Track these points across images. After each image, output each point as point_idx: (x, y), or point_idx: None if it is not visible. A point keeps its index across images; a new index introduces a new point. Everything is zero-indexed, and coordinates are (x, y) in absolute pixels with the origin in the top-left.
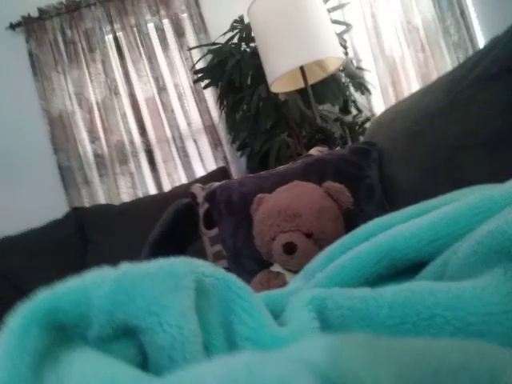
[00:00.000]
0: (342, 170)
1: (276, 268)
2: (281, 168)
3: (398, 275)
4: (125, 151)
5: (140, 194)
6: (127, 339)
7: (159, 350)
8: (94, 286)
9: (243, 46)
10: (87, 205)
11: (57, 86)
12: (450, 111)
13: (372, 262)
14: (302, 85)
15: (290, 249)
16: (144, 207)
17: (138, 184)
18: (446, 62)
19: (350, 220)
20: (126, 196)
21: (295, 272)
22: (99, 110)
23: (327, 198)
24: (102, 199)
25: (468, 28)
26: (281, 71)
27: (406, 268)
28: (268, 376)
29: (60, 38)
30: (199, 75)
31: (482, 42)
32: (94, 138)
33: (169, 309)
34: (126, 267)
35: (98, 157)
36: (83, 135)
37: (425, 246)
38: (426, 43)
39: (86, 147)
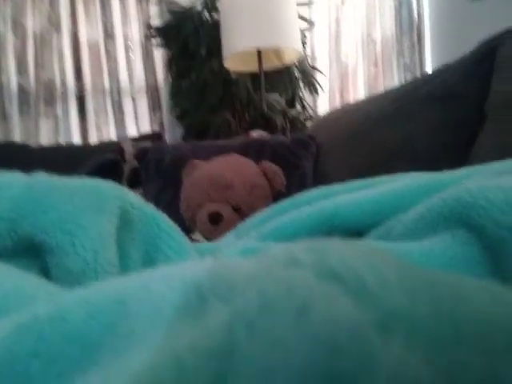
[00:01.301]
0: (280, 155)
1: (196, 236)
2: (220, 141)
3: None
4: (54, 92)
5: (61, 141)
6: (28, 258)
7: (66, 275)
8: (1, 186)
9: (205, 14)
10: (0, 140)
11: None
12: (393, 120)
13: (311, 225)
14: (255, 68)
15: (215, 218)
16: (64, 155)
17: (62, 130)
18: (394, 81)
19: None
20: (45, 140)
21: None
22: (35, 41)
23: (262, 177)
24: (17, 138)
25: (421, 54)
26: (238, 48)
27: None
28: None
29: None
30: (153, 32)
31: (430, 69)
32: (22, 70)
33: (86, 229)
34: (41, 175)
35: (23, 92)
36: (11, 64)
37: (368, 216)
38: (380, 58)
39: (11, 78)
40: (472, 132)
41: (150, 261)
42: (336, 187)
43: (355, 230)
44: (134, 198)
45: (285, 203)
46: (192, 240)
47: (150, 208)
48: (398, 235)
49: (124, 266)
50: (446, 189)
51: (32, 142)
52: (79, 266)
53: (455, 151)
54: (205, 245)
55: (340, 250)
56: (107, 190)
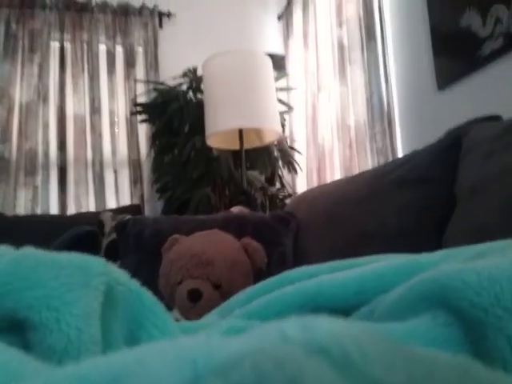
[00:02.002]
0: (260, 231)
1: (175, 314)
2: (201, 216)
3: None
4: (35, 162)
5: (39, 211)
6: (10, 334)
7: (49, 353)
8: None
9: (190, 94)
10: None
11: None
12: (368, 202)
13: (295, 304)
14: (237, 146)
15: (194, 296)
16: (40, 225)
17: (40, 200)
18: (368, 163)
19: (259, 281)
20: (21, 209)
21: None
22: (20, 111)
23: (243, 253)
24: None
25: (392, 139)
26: (220, 128)
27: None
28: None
29: (2, 30)
30: (138, 108)
31: (401, 153)
32: (4, 139)
33: (71, 306)
34: (29, 249)
35: (3, 160)
36: None
37: (351, 296)
38: (354, 142)
39: None
40: (442, 214)
41: (133, 340)
42: (318, 267)
43: (339, 309)
44: (119, 273)
45: (268, 282)
46: None
47: (134, 284)
48: (381, 315)
49: (107, 345)
50: (425, 270)
51: (7, 211)
52: (62, 343)
53: (427, 233)
54: (189, 323)
55: (328, 325)
56: (94, 266)
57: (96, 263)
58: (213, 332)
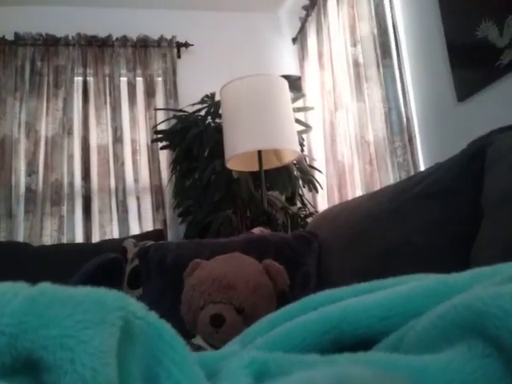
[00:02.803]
0: (282, 252)
1: (197, 341)
2: (222, 239)
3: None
4: (61, 192)
5: (64, 240)
6: (25, 375)
7: None
8: (2, 299)
9: (209, 119)
10: (2, 239)
11: (9, 111)
12: (391, 218)
13: (319, 332)
14: (256, 168)
15: (217, 321)
16: (65, 254)
17: (66, 229)
18: (389, 178)
19: (283, 303)
20: (48, 239)
21: (218, 349)
22: (46, 144)
23: (265, 276)
24: (20, 237)
25: (413, 153)
26: (240, 150)
27: (352, 345)
28: None
29: (28, 67)
30: (159, 136)
31: (422, 167)
32: (31, 172)
33: (87, 345)
34: (45, 286)
35: (30, 191)
36: (21, 166)
37: (376, 322)
38: (374, 158)
39: (20, 179)
40: (469, 227)
41: (151, 377)
42: (342, 291)
43: (364, 335)
44: (137, 306)
45: (290, 308)
46: (193, 345)
47: (152, 317)
48: (411, 344)
49: (123, 383)
50: (455, 292)
51: (34, 241)
52: None
53: (453, 247)
54: (208, 354)
55: (363, 380)
56: (110, 300)
57: (112, 297)
58: (233, 366)
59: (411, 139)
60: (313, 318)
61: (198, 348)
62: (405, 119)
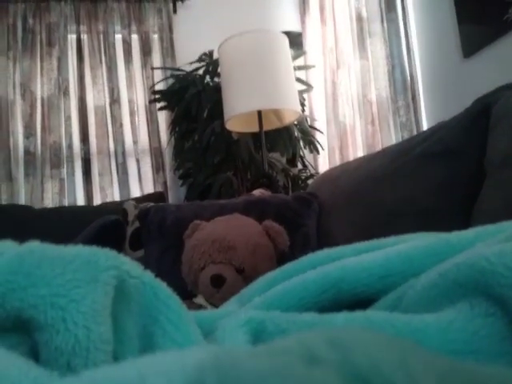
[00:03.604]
0: (282, 213)
1: (199, 300)
2: (222, 201)
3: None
4: (60, 155)
5: (66, 203)
6: (17, 334)
7: (56, 354)
8: None
9: (207, 78)
10: (4, 202)
11: (2, 72)
12: (393, 178)
13: (317, 291)
14: (256, 129)
15: (217, 281)
16: (67, 217)
17: (67, 192)
18: (392, 139)
19: (282, 264)
20: (49, 202)
21: (218, 308)
22: (43, 106)
23: (265, 237)
24: (22, 199)
25: (416, 112)
26: (239, 110)
27: (351, 305)
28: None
29: (19, 24)
30: (157, 96)
31: (426, 127)
32: (29, 134)
33: (78, 304)
34: (33, 245)
35: (29, 154)
36: (18, 128)
37: (375, 281)
38: (376, 118)
39: (19, 142)
40: (472, 187)
41: (146, 335)
42: (342, 249)
43: (363, 294)
44: (131, 265)
45: (288, 267)
46: (194, 305)
47: (148, 276)
48: (410, 304)
49: (119, 342)
50: (456, 251)
51: (36, 204)
52: (70, 344)
53: (456, 208)
54: (205, 314)
55: (366, 344)
56: (103, 259)
57: (105, 256)
58: (229, 325)
59: (415, 98)
60: (311, 277)
61: (199, 307)
62: (409, 77)
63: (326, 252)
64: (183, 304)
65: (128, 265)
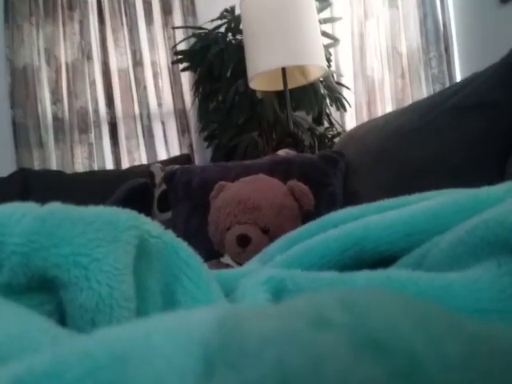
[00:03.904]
0: (308, 173)
1: (226, 260)
2: (247, 162)
3: (364, 269)
4: (87, 120)
5: (95, 167)
6: (42, 293)
7: (81, 312)
8: (11, 220)
9: (229, 36)
10: (37, 168)
11: (26, 38)
12: (422, 134)
13: (339, 249)
14: (281, 87)
15: (243, 241)
16: (97, 180)
17: (95, 156)
18: (423, 93)
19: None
20: (80, 166)
21: None
22: (67, 71)
23: (290, 197)
24: (53, 165)
25: (449, 64)
26: (262, 68)
27: (374, 263)
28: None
29: None
30: (179, 57)
31: (459, 79)
32: (56, 100)
33: (100, 262)
34: (55, 205)
35: (57, 120)
36: (45, 95)
37: (399, 239)
38: (406, 71)
39: (46, 108)
40: (507, 142)
41: (168, 293)
42: (365, 207)
43: (386, 252)
44: (152, 225)
45: (311, 225)
46: (221, 264)
47: (168, 236)
48: (435, 262)
49: (141, 300)
50: (485, 208)
51: (67, 169)
52: (93, 302)
53: (490, 164)
54: (227, 272)
55: (383, 306)
56: (123, 219)
57: (125, 216)
58: (250, 283)
59: (448, 48)
60: (333, 236)
61: (226, 266)
62: (441, 26)
63: (348, 210)
64: (205, 264)
65: (149, 225)
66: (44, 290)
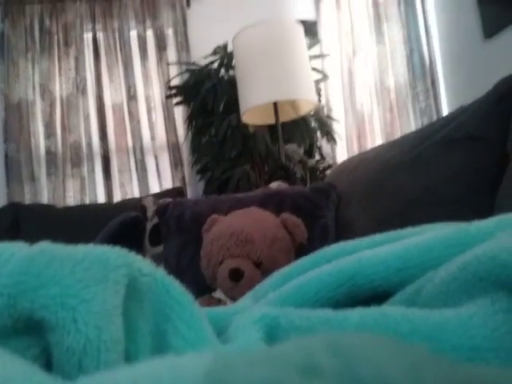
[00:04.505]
0: (300, 205)
1: (218, 294)
2: (239, 194)
3: (358, 305)
4: (80, 153)
5: (87, 201)
6: (29, 335)
7: (68, 355)
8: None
9: (222, 72)
10: (28, 202)
11: (22, 73)
12: (412, 166)
13: (332, 285)
14: (272, 121)
15: (236, 275)
16: (89, 214)
17: (88, 190)
18: (411, 126)
19: (301, 257)
20: (71, 200)
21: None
22: (62, 105)
23: (282, 229)
24: (45, 199)
25: (436, 98)
26: (255, 103)
27: (367, 299)
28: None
29: (37, 26)
30: (173, 91)
31: (446, 112)
32: (49, 134)
33: (89, 304)
34: (43, 245)
35: (50, 154)
36: (39, 129)
37: (392, 274)
38: (395, 105)
39: (40, 142)
40: (495, 174)
41: (158, 333)
42: (358, 242)
43: (380, 288)
44: (142, 263)
45: (304, 260)
46: (213, 299)
47: (160, 273)
48: (429, 298)
49: (131, 341)
50: (476, 242)
51: (58, 203)
52: (81, 344)
53: (479, 196)
54: (219, 310)
55: (372, 352)
56: (113, 258)
57: (115, 255)
58: (242, 322)
59: (434, 82)
60: (326, 271)
61: (218, 302)
62: (428, 61)
63: (341, 245)
64: (197, 301)
65: (139, 262)
66: (31, 332)
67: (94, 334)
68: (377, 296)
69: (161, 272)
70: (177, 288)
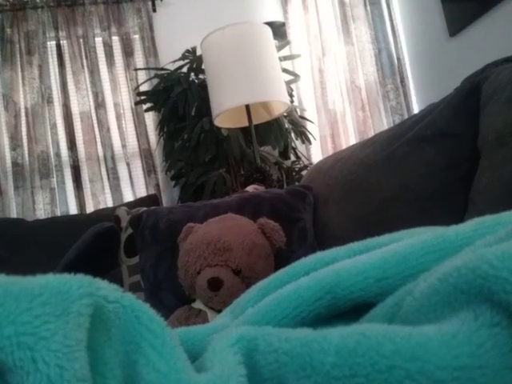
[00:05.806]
0: (277, 209)
1: (198, 305)
2: (215, 200)
3: (339, 317)
4: (48, 164)
5: (58, 213)
6: None
7: None
8: None
9: (192, 76)
10: None
11: None
12: (386, 165)
13: (312, 298)
14: (245, 123)
15: (215, 284)
16: (61, 227)
17: (58, 201)
18: (383, 124)
19: (281, 261)
20: (41, 213)
21: (219, 311)
22: (27, 116)
23: (260, 235)
24: (13, 213)
25: (406, 95)
26: (227, 106)
27: (348, 309)
28: None
29: None
30: (142, 97)
31: (416, 109)
32: (15, 146)
33: (48, 341)
34: None
35: (17, 166)
36: (4, 141)
37: (371, 284)
38: (366, 103)
39: (5, 154)
40: (467, 169)
41: (129, 364)
42: (336, 252)
43: (360, 299)
44: (108, 289)
45: (281, 273)
46: (193, 310)
47: (128, 298)
48: (410, 312)
49: (99, 375)
50: (454, 248)
51: (28, 217)
52: None
53: (452, 191)
54: (195, 330)
55: None
56: (75, 287)
57: (77, 284)
58: (219, 346)
59: (403, 81)
60: (305, 284)
61: (198, 312)
62: (396, 60)
63: (318, 255)
64: (176, 312)
65: (104, 289)
66: None
67: (56, 373)
68: (357, 307)
69: (129, 297)
70: (147, 313)
